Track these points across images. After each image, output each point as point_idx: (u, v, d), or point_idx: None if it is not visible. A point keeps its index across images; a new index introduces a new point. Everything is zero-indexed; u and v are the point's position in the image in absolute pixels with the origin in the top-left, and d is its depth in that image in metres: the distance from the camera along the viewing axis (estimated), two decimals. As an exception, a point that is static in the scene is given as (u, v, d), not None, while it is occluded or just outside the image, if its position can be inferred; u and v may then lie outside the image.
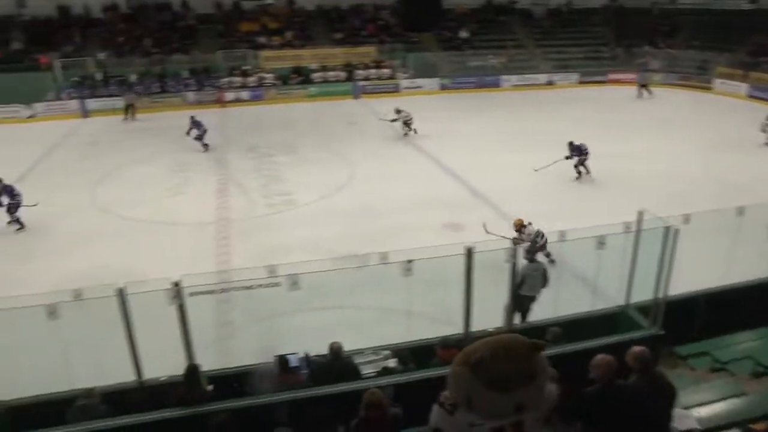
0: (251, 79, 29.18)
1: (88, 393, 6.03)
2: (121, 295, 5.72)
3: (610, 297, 7.96)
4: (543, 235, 10.49)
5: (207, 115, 25.45)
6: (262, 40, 31.61)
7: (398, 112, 20.41)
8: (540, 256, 9.85)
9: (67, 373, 6.65)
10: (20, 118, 25.84)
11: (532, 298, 8.55)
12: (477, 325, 6.70)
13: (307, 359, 6.61)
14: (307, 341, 6.99)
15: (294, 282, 6.13)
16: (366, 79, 30.01)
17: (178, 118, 25.35)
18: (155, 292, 5.70)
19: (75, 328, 6.39)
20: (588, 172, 15.84)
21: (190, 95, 28.17)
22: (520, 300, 8.14)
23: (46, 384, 6.48)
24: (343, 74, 30.06)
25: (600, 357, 4.31)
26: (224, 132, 22.60)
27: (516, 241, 10.21)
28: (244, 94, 28.66)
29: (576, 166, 15.73)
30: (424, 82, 30.23)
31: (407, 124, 20.50)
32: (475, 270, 6.37)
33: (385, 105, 26.48)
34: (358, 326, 8.71)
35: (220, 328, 9.19)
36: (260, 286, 6.44)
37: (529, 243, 10.21)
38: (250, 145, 20.58)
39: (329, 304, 9.52)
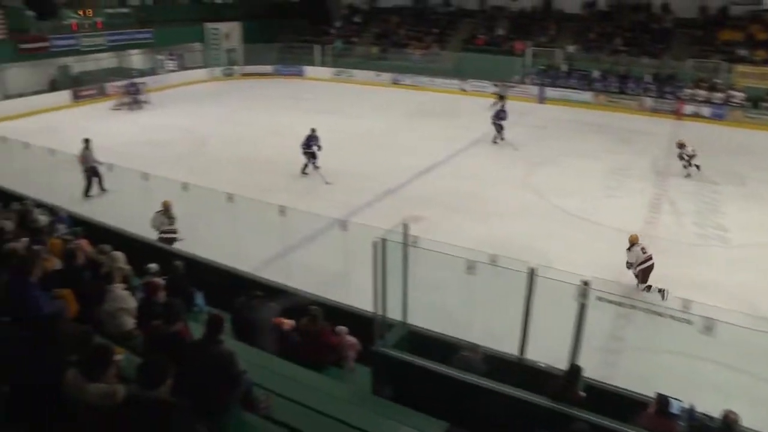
0: (718, 95, 26.33)
1: (473, 347, 6.58)
2: (532, 274, 5.95)
3: None
4: (650, 259, 10.64)
5: (660, 125, 24.57)
6: (742, 52, 27.91)
7: (681, 146, 17.66)
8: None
9: (463, 322, 7.34)
10: (485, 92, 28.82)
11: None
12: None
13: (691, 413, 5.93)
14: (692, 392, 6.25)
15: (709, 327, 5.52)
16: None
17: (631, 121, 24.99)
18: (562, 284, 5.74)
19: (484, 287, 6.95)
20: None
21: (648, 100, 27.20)
22: None
23: (443, 323, 7.24)
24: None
25: None
26: (673, 146, 21.28)
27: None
28: (705, 110, 26.16)
29: None
30: None
31: (689, 160, 17.55)
32: None
33: None
34: (760, 403, 7.34)
35: (610, 340, 8.92)
36: (671, 317, 5.95)
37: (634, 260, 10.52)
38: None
39: (735, 365, 8.29)
